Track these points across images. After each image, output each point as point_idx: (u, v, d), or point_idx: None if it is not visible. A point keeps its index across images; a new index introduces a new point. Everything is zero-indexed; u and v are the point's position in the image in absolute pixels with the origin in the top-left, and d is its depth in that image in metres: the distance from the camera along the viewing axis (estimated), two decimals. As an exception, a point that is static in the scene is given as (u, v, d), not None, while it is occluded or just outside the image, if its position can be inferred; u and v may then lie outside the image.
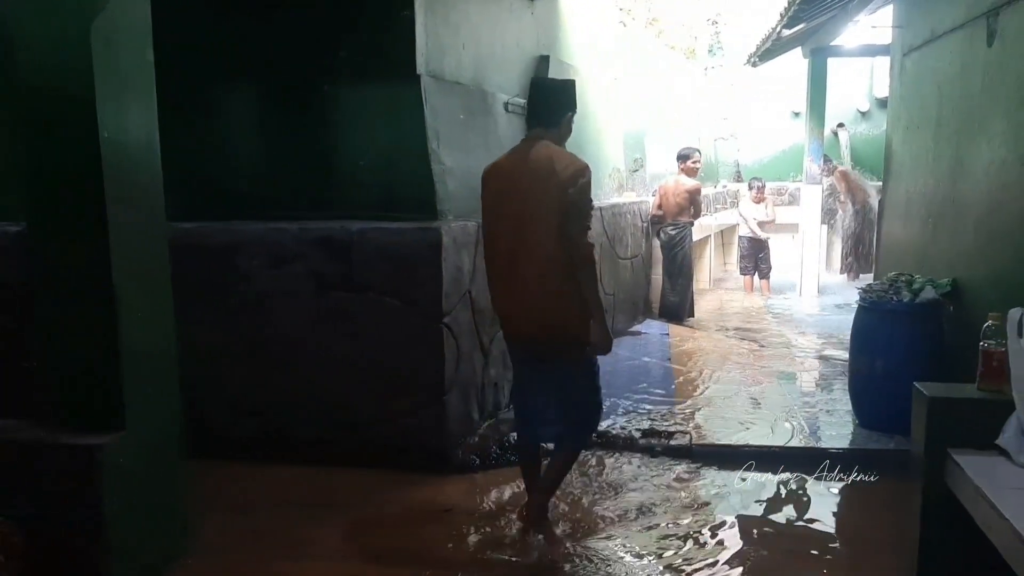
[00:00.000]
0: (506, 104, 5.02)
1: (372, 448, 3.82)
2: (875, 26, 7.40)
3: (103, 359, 2.67)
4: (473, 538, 3.20)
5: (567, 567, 2.97)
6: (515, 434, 3.31)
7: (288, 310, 3.81)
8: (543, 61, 5.70)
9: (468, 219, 4.06)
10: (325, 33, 4.11)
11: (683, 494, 3.63)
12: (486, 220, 3.16)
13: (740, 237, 9.69)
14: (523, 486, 3.40)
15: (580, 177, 2.94)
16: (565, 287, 2.95)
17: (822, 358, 6.06)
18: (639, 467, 3.91)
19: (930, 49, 4.82)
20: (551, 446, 3.30)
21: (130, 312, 2.70)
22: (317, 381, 3.83)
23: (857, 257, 9.73)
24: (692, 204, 7.39)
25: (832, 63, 9.34)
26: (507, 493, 3.59)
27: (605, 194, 7.11)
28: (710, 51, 11.57)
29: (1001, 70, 3.77)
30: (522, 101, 5.25)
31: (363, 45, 4.07)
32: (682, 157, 7.50)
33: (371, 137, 4.06)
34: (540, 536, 3.16)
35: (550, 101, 3.14)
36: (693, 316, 7.54)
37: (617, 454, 4.04)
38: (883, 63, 7.63)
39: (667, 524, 3.33)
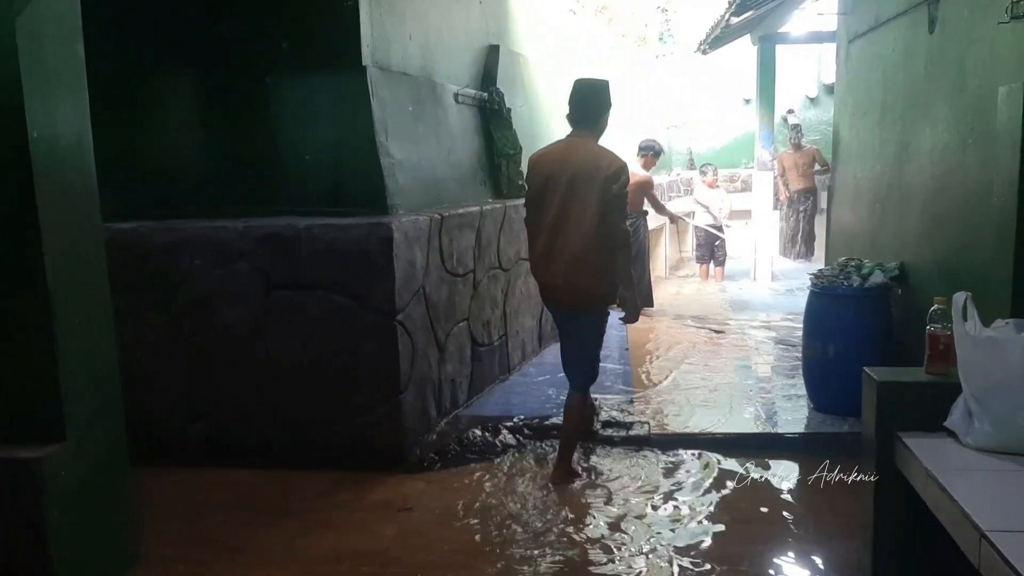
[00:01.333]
0: (456, 95, 4.95)
1: (326, 449, 3.75)
2: (821, 13, 7.52)
3: (40, 367, 2.56)
4: (433, 538, 3.15)
5: (530, 560, 2.95)
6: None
7: (234, 310, 3.72)
8: (493, 51, 5.64)
9: (420, 213, 4.00)
10: (266, 24, 4.01)
11: (640, 482, 3.64)
12: (532, 199, 3.67)
13: (696, 227, 9.61)
14: (483, 483, 3.64)
15: (622, 174, 3.47)
16: (598, 261, 3.49)
17: (778, 343, 6.13)
18: (597, 457, 3.90)
19: (874, 36, 4.88)
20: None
21: (67, 318, 2.59)
22: (266, 382, 3.75)
23: (805, 242, 9.89)
24: (644, 197, 7.29)
25: (781, 50, 9.46)
26: (467, 491, 3.55)
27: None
28: (660, 39, 11.63)
29: (942, 56, 3.83)
30: (472, 92, 5.20)
31: (306, 36, 3.97)
32: (641, 149, 7.37)
33: (317, 130, 3.97)
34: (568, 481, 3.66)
35: (591, 102, 3.63)
36: (652, 305, 7.56)
37: (577, 445, 4.02)
38: (830, 50, 7.73)
39: (623, 512, 3.33)
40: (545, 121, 6.77)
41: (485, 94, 5.39)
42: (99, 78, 2.78)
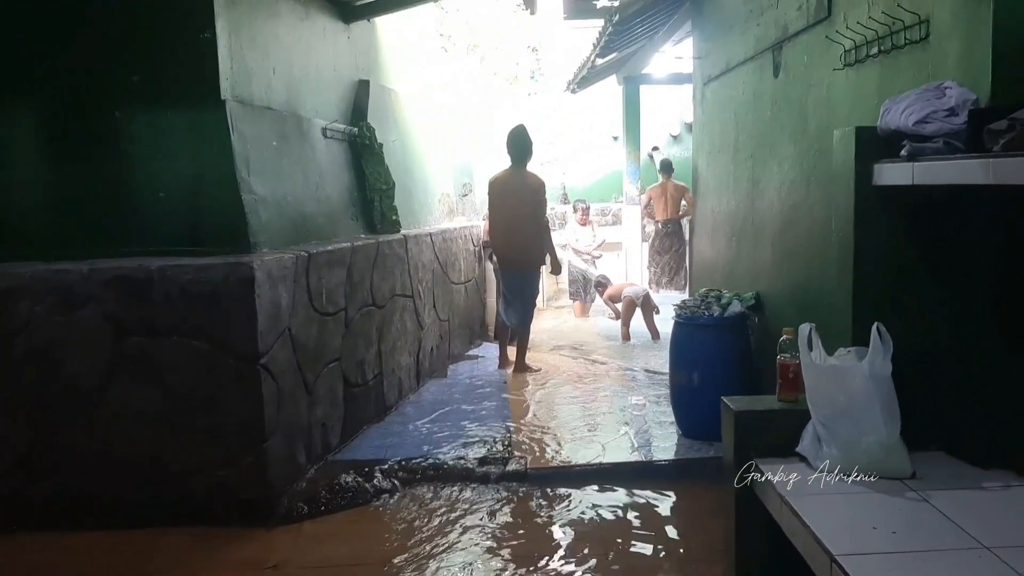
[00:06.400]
0: (324, 129, 4.85)
1: (185, 504, 3.51)
2: (680, 57, 7.92)
3: None
4: (300, 593, 3.00)
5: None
6: (501, 317, 6.42)
7: (80, 360, 3.44)
8: (363, 86, 5.59)
9: (285, 251, 3.86)
10: (116, 55, 3.79)
11: (515, 518, 3.61)
12: (494, 206, 6.18)
13: (570, 264, 9.73)
14: (354, 531, 3.50)
15: (544, 187, 6.15)
16: (535, 238, 6.08)
17: (650, 372, 6.30)
18: (474, 496, 3.85)
19: (726, 79, 5.18)
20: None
21: None
22: (118, 435, 3.48)
23: (668, 272, 10.14)
24: None
25: (645, 91, 9.90)
26: (337, 542, 3.40)
27: (436, 219, 7.07)
28: (532, 77, 11.93)
29: (786, 99, 4.10)
30: (341, 127, 5.11)
31: (160, 69, 3.78)
32: None
33: (173, 167, 3.77)
34: (523, 373, 6.16)
35: (522, 145, 6.06)
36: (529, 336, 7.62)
37: (452, 485, 3.96)
38: (689, 91, 8.16)
39: (502, 552, 3.29)
40: (419, 155, 6.76)
41: (355, 129, 5.31)
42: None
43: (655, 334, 7.59)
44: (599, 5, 6.44)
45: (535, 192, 6.03)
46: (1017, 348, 2.43)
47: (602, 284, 8.58)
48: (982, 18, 2.35)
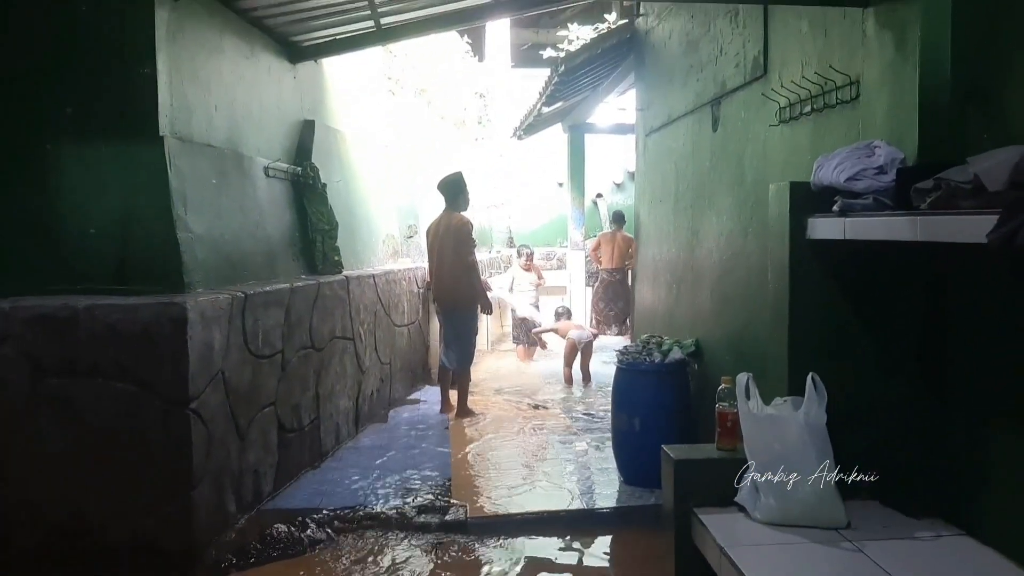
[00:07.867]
0: (266, 168, 4.78)
1: (105, 554, 3.32)
2: (623, 108, 8.12)
3: None
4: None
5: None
6: (443, 360, 6.53)
7: (-6, 401, 3.26)
8: (308, 126, 5.55)
9: (220, 291, 3.75)
10: (49, 87, 3.69)
11: (453, 569, 3.52)
12: (429, 249, 6.45)
13: (512, 310, 9.73)
14: None
15: (467, 226, 6.23)
16: (460, 276, 6.19)
17: (593, 417, 6.29)
18: (412, 546, 3.74)
19: (667, 131, 5.31)
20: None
21: None
22: (34, 480, 3.29)
23: (611, 322, 10.19)
24: None
25: (590, 139, 10.09)
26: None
27: (379, 260, 7.00)
28: (479, 123, 12.06)
29: (724, 151, 4.22)
30: (284, 166, 5.05)
31: (96, 102, 3.69)
32: None
33: (107, 203, 3.65)
34: (465, 418, 6.19)
35: (450, 191, 6.33)
36: (470, 379, 7.54)
37: (390, 535, 3.85)
38: (632, 141, 8.35)
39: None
40: (364, 196, 6.72)
41: (299, 168, 5.25)
42: None
43: (587, 377, 7.73)
44: (545, 56, 6.58)
45: (458, 231, 6.18)
46: (943, 399, 2.50)
47: (559, 315, 8.55)
48: (908, 80, 2.46)
